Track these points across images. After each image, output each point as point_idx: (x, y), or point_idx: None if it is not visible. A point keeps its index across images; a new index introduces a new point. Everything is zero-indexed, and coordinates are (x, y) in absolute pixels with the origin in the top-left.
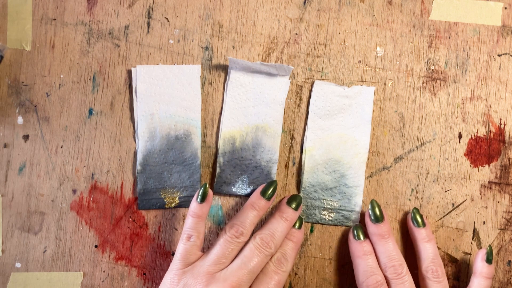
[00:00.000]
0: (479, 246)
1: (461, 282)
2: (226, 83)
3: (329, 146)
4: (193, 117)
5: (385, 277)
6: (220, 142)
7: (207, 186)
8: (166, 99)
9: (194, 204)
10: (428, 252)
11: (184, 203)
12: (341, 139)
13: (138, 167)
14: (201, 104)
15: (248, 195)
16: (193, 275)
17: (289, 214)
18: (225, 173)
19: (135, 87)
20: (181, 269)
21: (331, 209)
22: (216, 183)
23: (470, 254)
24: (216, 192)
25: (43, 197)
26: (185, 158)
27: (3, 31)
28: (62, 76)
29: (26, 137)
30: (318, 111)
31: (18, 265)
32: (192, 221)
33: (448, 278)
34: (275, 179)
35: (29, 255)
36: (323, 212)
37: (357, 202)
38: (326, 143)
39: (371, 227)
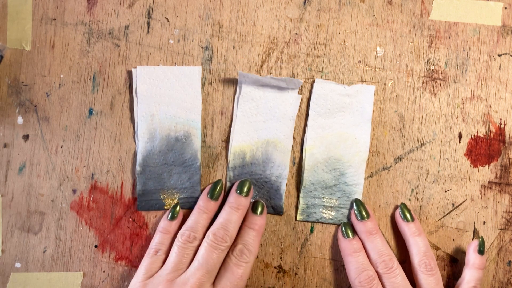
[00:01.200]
0: None
1: None
2: (236, 97)
3: (330, 145)
4: (193, 119)
5: (377, 272)
6: (230, 156)
7: (179, 205)
8: (166, 100)
9: (165, 221)
10: (420, 246)
11: (184, 205)
12: (341, 137)
13: (138, 168)
14: (201, 105)
15: None
16: (153, 285)
17: (240, 202)
18: None
19: (136, 88)
20: (143, 281)
21: (330, 207)
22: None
23: None
24: None
25: (43, 197)
26: (185, 160)
27: (3, 31)
28: (62, 76)
29: (26, 137)
30: (318, 110)
31: (18, 265)
32: (162, 237)
33: (448, 278)
34: (283, 194)
35: (29, 255)
36: (323, 211)
37: None
38: (326, 142)
39: (358, 225)
